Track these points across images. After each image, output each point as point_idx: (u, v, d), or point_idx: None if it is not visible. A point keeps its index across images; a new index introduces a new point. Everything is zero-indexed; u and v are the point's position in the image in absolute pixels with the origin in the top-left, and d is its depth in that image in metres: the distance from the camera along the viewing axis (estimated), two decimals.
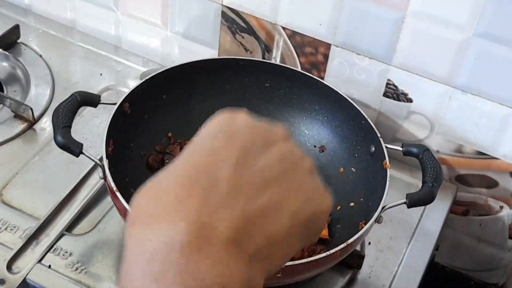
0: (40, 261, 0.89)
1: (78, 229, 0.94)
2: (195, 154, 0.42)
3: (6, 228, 0.92)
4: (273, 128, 0.45)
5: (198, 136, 0.44)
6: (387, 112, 1.06)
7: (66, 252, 0.90)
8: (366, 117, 0.95)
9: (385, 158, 0.89)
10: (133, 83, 0.98)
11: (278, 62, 1.10)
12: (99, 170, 0.85)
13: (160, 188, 0.40)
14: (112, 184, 0.81)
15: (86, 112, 1.09)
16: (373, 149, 0.93)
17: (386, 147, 0.91)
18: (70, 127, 0.85)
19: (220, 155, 0.41)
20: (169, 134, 1.01)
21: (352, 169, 0.98)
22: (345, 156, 1.00)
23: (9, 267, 0.87)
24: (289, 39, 1.06)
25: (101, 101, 0.90)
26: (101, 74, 1.18)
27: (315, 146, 1.03)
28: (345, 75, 1.05)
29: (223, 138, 0.42)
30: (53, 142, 0.84)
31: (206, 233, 0.37)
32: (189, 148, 0.43)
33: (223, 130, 0.43)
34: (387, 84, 1.03)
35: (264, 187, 0.40)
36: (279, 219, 0.40)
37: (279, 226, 0.40)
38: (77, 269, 0.89)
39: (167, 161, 0.97)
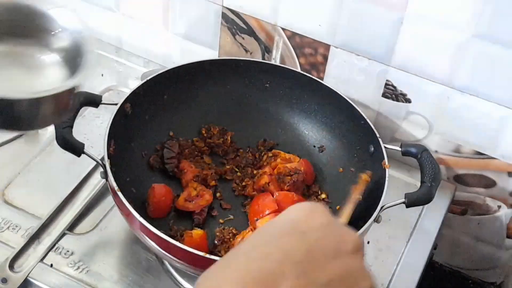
0: (42, 260, 0.89)
1: (80, 228, 0.94)
2: (265, 246, 0.42)
3: (8, 228, 0.93)
4: (347, 235, 0.45)
5: (273, 222, 0.44)
6: (386, 112, 1.06)
7: (68, 251, 0.91)
8: (365, 117, 0.96)
9: (384, 158, 0.90)
10: (134, 84, 0.99)
11: (278, 63, 1.10)
12: (101, 170, 0.85)
13: (226, 279, 0.40)
14: (114, 184, 0.82)
15: (87, 112, 1.09)
16: (372, 149, 0.94)
17: (385, 147, 0.91)
18: (71, 127, 0.85)
19: (288, 257, 0.41)
20: (170, 134, 1.02)
21: (352, 169, 0.99)
22: (344, 156, 1.01)
23: (11, 266, 0.88)
24: (288, 40, 1.07)
25: (102, 102, 0.91)
26: (102, 75, 1.19)
27: (314, 146, 1.04)
28: (345, 75, 1.05)
29: (295, 237, 0.42)
30: (54, 142, 0.85)
31: None
32: (262, 234, 0.43)
33: (299, 227, 0.43)
34: (386, 84, 1.03)
35: None
36: None
37: None
38: (78, 268, 0.89)
39: (166, 158, 0.98)
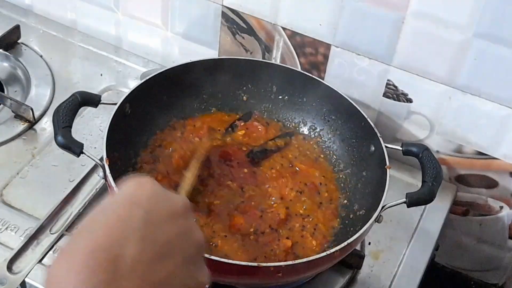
0: (40, 261, 0.89)
1: None
2: (106, 220, 0.47)
3: (6, 228, 0.92)
4: (175, 199, 0.51)
5: (108, 200, 0.49)
6: (387, 112, 1.06)
7: None
8: (366, 117, 0.95)
9: (385, 158, 0.89)
10: (133, 84, 0.98)
11: (278, 62, 1.10)
12: (100, 170, 0.85)
13: (73, 260, 0.44)
14: (113, 184, 0.81)
15: (86, 112, 1.09)
16: (373, 149, 0.93)
17: (386, 147, 0.91)
18: (70, 127, 0.85)
19: (128, 225, 0.46)
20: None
21: (352, 169, 0.98)
22: (344, 156, 1.00)
23: (9, 267, 0.87)
24: (289, 39, 1.06)
25: (101, 101, 0.90)
26: (101, 75, 1.19)
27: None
28: (345, 75, 1.05)
29: (130, 207, 0.47)
30: (53, 142, 0.85)
31: None
32: (100, 212, 0.48)
33: (132, 198, 0.48)
34: (387, 84, 1.03)
35: (162, 259, 0.46)
36: None
37: None
38: None
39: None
